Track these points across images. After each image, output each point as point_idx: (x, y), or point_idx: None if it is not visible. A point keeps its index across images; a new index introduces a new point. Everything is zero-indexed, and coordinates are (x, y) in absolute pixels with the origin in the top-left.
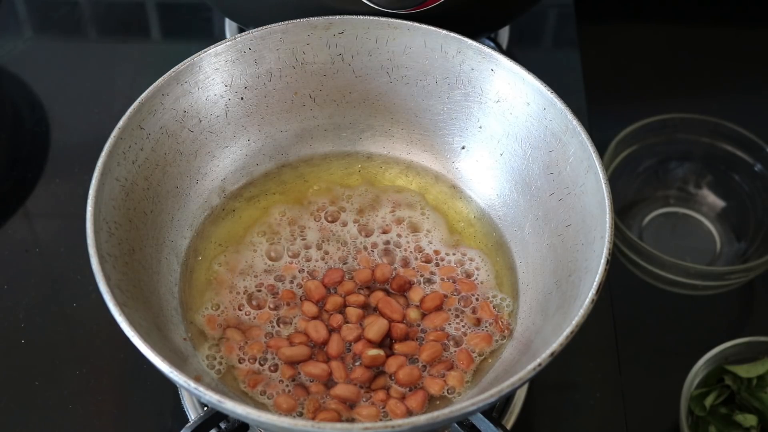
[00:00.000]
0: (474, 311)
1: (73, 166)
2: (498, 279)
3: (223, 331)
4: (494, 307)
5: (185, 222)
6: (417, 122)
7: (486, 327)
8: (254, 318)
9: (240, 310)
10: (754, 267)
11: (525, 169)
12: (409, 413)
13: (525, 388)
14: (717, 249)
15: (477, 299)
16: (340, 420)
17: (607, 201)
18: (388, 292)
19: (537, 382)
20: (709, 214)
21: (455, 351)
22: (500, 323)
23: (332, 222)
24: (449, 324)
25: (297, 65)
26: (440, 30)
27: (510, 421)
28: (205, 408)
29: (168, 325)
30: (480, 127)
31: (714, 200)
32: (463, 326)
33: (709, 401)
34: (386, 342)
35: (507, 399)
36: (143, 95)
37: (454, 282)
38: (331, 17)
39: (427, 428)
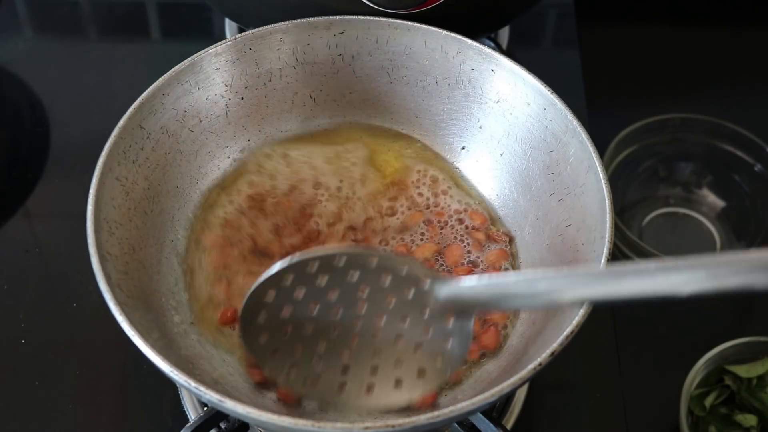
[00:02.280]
0: (471, 230)
1: (73, 166)
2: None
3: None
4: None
5: (185, 221)
6: (417, 122)
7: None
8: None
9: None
10: None
11: (525, 169)
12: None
13: (525, 388)
14: (717, 249)
15: (465, 213)
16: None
17: (607, 201)
18: None
19: (537, 382)
20: (709, 214)
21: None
22: (494, 236)
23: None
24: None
25: (297, 65)
26: (440, 30)
27: (510, 421)
28: (205, 408)
29: (168, 325)
30: (480, 128)
31: (714, 200)
32: (472, 246)
33: (709, 401)
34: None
35: (507, 399)
36: (143, 95)
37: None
38: (331, 17)
39: (427, 428)
